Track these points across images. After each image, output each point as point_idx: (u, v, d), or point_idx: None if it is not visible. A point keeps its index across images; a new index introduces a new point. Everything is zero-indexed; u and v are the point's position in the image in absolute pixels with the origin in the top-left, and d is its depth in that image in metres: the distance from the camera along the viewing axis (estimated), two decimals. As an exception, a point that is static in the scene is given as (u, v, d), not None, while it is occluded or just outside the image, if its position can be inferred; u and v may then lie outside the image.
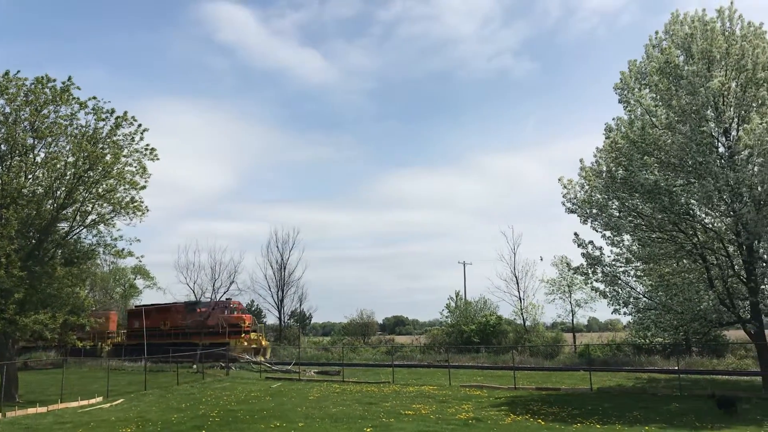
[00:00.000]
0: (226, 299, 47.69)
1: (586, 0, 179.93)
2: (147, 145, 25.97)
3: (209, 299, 48.01)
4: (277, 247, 61.70)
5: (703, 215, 21.58)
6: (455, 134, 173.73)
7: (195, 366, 35.97)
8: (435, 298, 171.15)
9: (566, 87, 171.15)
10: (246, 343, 45.06)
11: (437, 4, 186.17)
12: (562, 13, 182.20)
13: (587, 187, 22.97)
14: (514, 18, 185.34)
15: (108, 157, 24.99)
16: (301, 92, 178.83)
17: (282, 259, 61.38)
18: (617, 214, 22.28)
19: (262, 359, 44.22)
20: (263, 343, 47.56)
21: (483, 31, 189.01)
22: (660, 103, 21.63)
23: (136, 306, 57.19)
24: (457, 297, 55.90)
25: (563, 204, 23.21)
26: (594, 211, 22.44)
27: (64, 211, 25.08)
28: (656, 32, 22.56)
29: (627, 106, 22.92)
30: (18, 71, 24.52)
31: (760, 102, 19.83)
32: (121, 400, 23.40)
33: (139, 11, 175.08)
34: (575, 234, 22.83)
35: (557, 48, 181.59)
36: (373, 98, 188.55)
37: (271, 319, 61.79)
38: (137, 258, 27.84)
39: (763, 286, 20.85)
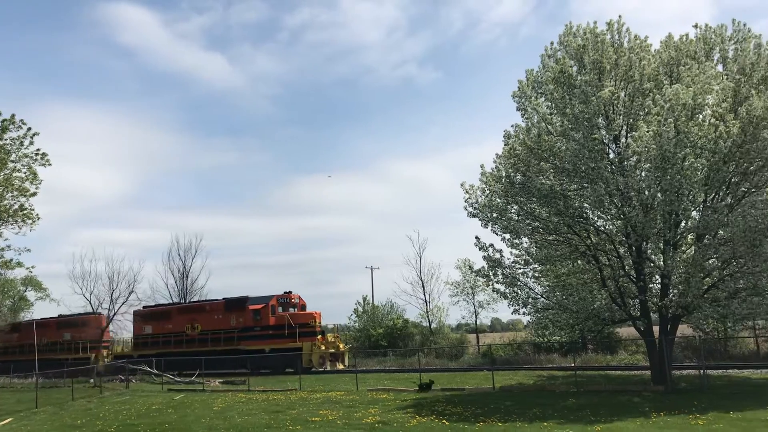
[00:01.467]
0: (284, 293, 40.93)
1: (489, 12, 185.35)
2: (38, 149, 24.69)
3: (251, 295, 40.44)
4: (179, 254, 59.98)
5: (596, 218, 22.61)
6: (363, 140, 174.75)
7: (92, 380, 34.37)
8: (344, 303, 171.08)
9: (469, 95, 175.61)
10: (324, 347, 37.79)
11: (344, 11, 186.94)
12: (466, 24, 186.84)
13: (488, 191, 23.56)
14: (418, 28, 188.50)
15: (-7, 162, 23.59)
16: (206, 97, 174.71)
17: (184, 267, 59.73)
18: (516, 217, 23.00)
19: (341, 366, 38.37)
20: (341, 346, 40.01)
21: (389, 40, 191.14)
22: (555, 111, 22.50)
23: (144, 307, 48.43)
24: (364, 302, 56.11)
25: (465, 208, 23.71)
26: (494, 215, 23.05)
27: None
28: (552, 43, 23.39)
29: (524, 114, 23.67)
30: None
31: (646, 111, 20.89)
32: (9, 419, 22.01)
33: (29, 11, 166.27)
34: (477, 237, 23.45)
35: (460, 58, 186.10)
36: (280, 104, 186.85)
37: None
38: (27, 269, 26.43)
39: (651, 285, 22.03)
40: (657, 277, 21.66)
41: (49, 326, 49.17)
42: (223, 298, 42.00)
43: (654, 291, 22.04)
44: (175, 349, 41.23)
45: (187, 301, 52.90)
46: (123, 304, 43.06)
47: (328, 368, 37.20)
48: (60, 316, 52.31)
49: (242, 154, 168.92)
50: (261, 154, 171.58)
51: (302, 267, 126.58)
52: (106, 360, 44.85)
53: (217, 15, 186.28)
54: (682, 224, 21.33)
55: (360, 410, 19.65)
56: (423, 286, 51.84)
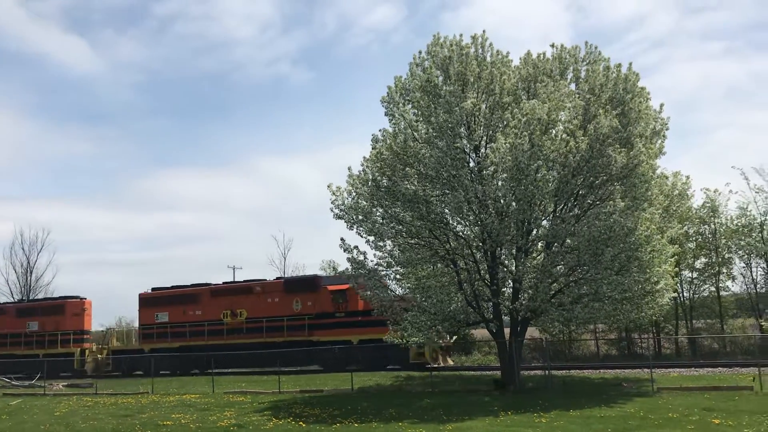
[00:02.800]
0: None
1: (361, 17, 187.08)
2: None
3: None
4: (23, 248, 56.06)
5: (455, 224, 23.36)
6: (231, 136, 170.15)
7: None
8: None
9: (341, 97, 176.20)
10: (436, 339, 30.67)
11: (216, 4, 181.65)
12: (339, 27, 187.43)
13: (354, 194, 23.71)
14: (292, 27, 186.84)
15: None
16: (62, 81, 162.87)
17: (28, 262, 55.87)
18: (381, 220, 23.30)
19: (451, 362, 33.24)
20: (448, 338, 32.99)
21: (262, 37, 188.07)
22: (421, 119, 23.03)
23: (153, 289, 38.94)
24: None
25: (332, 210, 23.70)
26: (359, 217, 23.24)
27: None
28: (420, 52, 23.81)
29: (392, 120, 24.03)
30: None
31: (505, 123, 21.88)
32: None
33: None
34: (342, 239, 23.56)
35: (334, 60, 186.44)
36: (144, 94, 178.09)
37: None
38: None
39: (503, 289, 23.09)
40: (509, 281, 22.75)
41: (4, 314, 40.95)
42: (279, 278, 36.16)
43: (506, 295, 23.10)
44: (211, 341, 35.05)
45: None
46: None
47: (441, 363, 31.59)
48: (22, 300, 44.23)
49: (100, 143, 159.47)
50: (120, 145, 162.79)
51: (160, 265, 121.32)
52: (99, 357, 37.75)
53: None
54: (534, 232, 22.54)
55: (215, 413, 19.16)
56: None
